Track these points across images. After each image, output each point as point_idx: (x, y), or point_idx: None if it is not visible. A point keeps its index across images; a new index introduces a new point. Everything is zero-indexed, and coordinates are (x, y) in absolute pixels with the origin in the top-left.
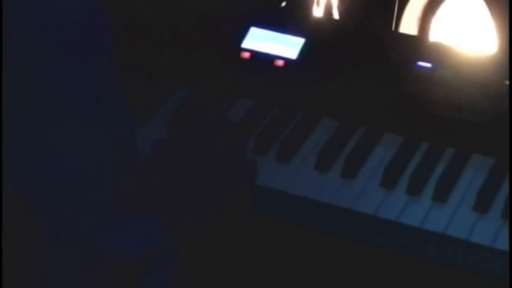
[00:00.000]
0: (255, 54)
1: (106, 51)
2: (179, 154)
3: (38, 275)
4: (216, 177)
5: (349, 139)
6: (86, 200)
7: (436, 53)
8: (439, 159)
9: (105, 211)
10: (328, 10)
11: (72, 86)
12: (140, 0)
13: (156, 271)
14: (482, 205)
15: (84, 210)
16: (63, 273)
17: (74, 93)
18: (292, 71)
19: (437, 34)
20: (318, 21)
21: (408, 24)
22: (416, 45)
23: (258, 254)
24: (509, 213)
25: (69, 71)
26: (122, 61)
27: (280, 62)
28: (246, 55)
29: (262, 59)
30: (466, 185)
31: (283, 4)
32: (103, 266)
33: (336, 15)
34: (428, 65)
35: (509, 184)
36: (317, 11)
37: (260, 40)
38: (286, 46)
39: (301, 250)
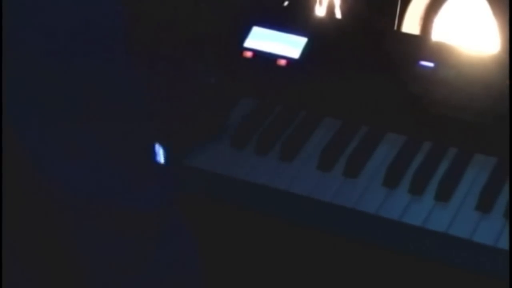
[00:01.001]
0: (257, 53)
1: (121, 47)
2: None
3: (61, 230)
4: None
5: (351, 138)
6: (106, 162)
7: (438, 53)
8: (441, 158)
9: (123, 169)
10: (331, 9)
11: (93, 83)
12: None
13: (173, 226)
14: (484, 204)
15: (103, 168)
16: (84, 228)
17: (95, 90)
18: (295, 71)
19: (439, 33)
20: (321, 20)
21: (411, 24)
22: (419, 44)
23: (260, 254)
24: (509, 213)
25: (89, 68)
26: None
27: (282, 62)
28: (248, 54)
29: (265, 59)
30: (468, 184)
31: (286, 3)
32: (123, 220)
33: (338, 15)
34: (431, 64)
35: (509, 185)
36: (320, 11)
37: (262, 39)
38: (288, 45)
39: (303, 249)
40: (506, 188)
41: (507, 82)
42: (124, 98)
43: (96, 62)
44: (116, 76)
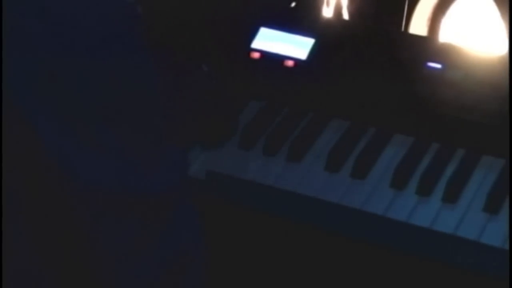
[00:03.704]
0: (265, 54)
1: (138, 45)
2: None
3: (73, 216)
4: None
5: (359, 139)
6: (118, 142)
7: (446, 54)
8: (449, 160)
9: (135, 150)
10: (338, 10)
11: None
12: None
13: (185, 205)
14: (492, 206)
15: (116, 150)
16: (97, 211)
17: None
18: (302, 72)
19: (447, 34)
20: (328, 21)
21: (418, 25)
22: (426, 45)
23: (267, 254)
24: (509, 213)
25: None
26: None
27: (290, 63)
28: (256, 55)
29: (272, 59)
30: (476, 186)
31: (293, 4)
32: (135, 202)
33: (346, 16)
34: (438, 66)
35: (509, 185)
36: (327, 12)
37: (270, 40)
38: (296, 46)
39: (311, 250)
40: None
41: None
42: (140, 93)
43: (112, 59)
44: (132, 72)
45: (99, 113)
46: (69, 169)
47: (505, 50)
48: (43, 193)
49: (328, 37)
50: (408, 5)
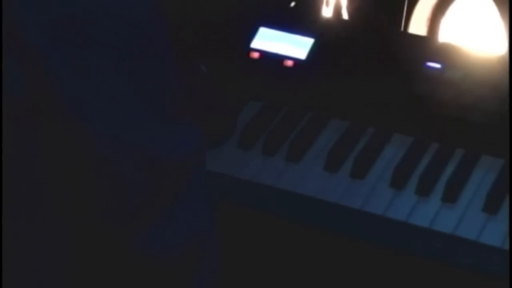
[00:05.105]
0: (264, 54)
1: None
2: None
3: (90, 201)
4: None
5: (358, 139)
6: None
7: (445, 54)
8: (448, 160)
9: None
10: (338, 10)
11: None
12: None
13: (199, 182)
14: (491, 206)
15: (127, 121)
16: (108, 173)
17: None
18: (301, 71)
19: (446, 34)
20: (328, 21)
21: (417, 25)
22: (425, 45)
23: (266, 254)
24: (509, 213)
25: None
26: None
27: (289, 62)
28: (255, 55)
29: (271, 59)
30: (475, 186)
31: (293, 4)
32: (147, 174)
33: (345, 15)
34: (438, 65)
35: (509, 185)
36: (327, 11)
37: (269, 40)
38: (295, 46)
39: (309, 250)
40: None
41: None
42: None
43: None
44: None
45: (114, 70)
46: (83, 123)
47: (504, 50)
48: (56, 141)
49: (327, 37)
50: (407, 5)
